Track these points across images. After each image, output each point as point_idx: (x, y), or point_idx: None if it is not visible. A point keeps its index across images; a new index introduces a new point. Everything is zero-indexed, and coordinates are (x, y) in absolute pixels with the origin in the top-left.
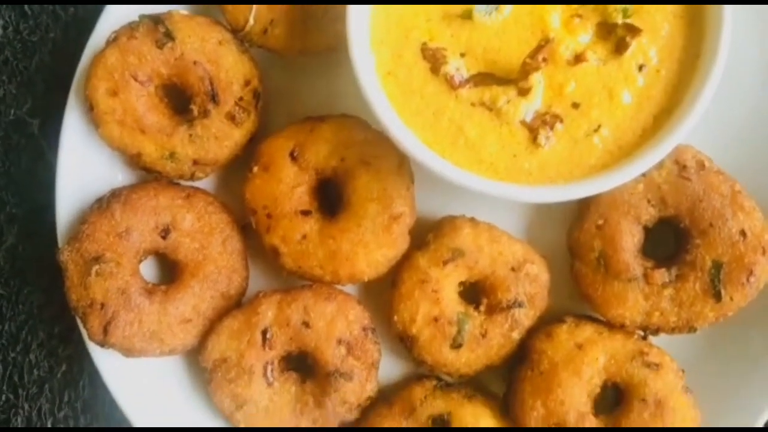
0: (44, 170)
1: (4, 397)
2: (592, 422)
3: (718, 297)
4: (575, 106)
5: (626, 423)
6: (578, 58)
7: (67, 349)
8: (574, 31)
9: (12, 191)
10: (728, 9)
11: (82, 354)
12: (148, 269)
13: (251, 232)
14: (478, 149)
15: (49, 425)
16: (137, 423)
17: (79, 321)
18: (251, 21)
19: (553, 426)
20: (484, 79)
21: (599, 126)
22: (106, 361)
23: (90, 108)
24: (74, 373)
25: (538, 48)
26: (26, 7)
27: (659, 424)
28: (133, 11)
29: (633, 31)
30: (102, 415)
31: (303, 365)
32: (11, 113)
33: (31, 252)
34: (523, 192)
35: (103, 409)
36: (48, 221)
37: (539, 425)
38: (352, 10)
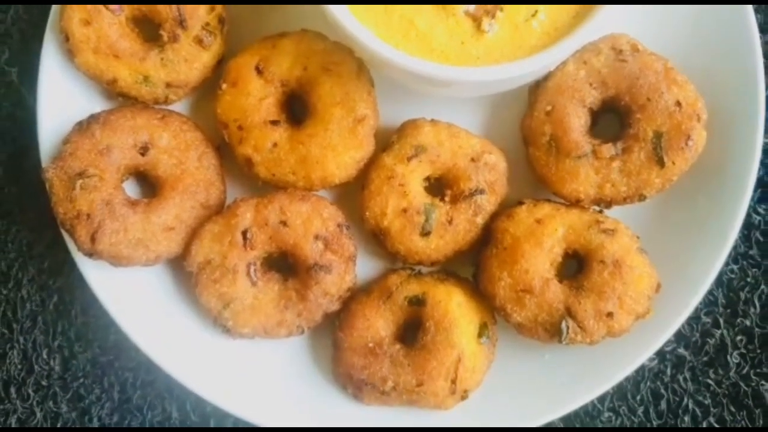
0: (25, 116)
1: None
2: (556, 286)
3: (661, 163)
4: None
5: (588, 284)
6: None
7: (58, 282)
8: None
9: None
10: None
11: (73, 284)
12: (131, 192)
13: (225, 153)
14: (429, 40)
15: (45, 355)
16: (132, 335)
17: (67, 236)
18: None
19: (520, 291)
20: None
21: (536, 11)
22: (97, 277)
23: (66, 39)
24: (66, 304)
25: None
26: None
27: (618, 282)
28: None
29: None
30: (95, 341)
31: (284, 265)
32: None
33: (17, 193)
34: (473, 73)
35: (96, 335)
36: (31, 163)
37: (507, 293)
38: None
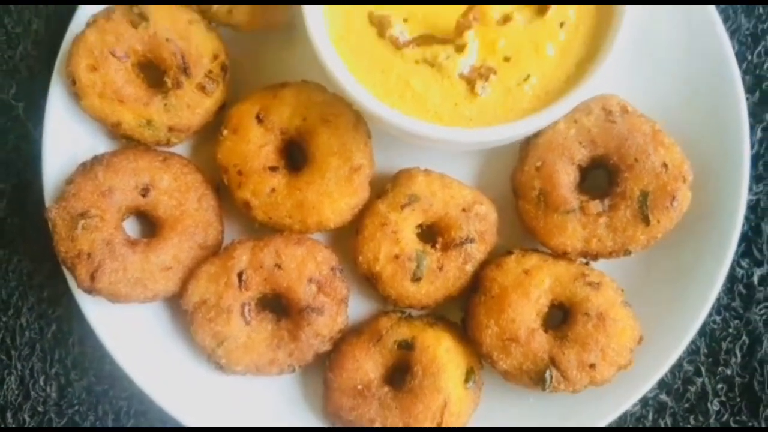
0: (29, 149)
1: None
2: (541, 336)
3: (646, 221)
4: (506, 59)
5: (572, 335)
6: (506, 19)
7: (57, 311)
8: None
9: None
10: None
11: (71, 314)
12: (131, 230)
13: (224, 194)
14: (424, 100)
15: (41, 382)
16: (127, 368)
17: (67, 272)
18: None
19: (506, 339)
20: (425, 39)
21: (528, 75)
22: (95, 312)
23: (72, 83)
24: (64, 333)
25: (469, 8)
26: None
27: (602, 334)
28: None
29: None
30: (91, 370)
31: (277, 306)
32: None
33: (19, 224)
34: (465, 134)
35: (92, 364)
36: (34, 195)
37: (494, 341)
38: None
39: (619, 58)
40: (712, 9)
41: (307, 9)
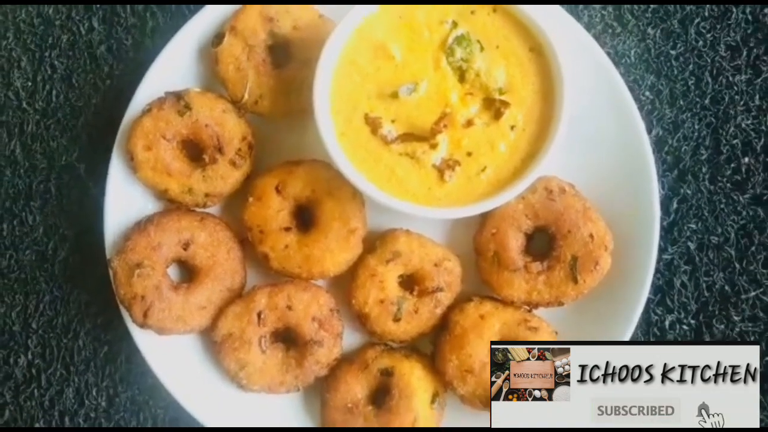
0: (89, 202)
1: (58, 373)
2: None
3: (575, 280)
4: (469, 154)
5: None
6: (469, 123)
7: (108, 335)
8: (467, 105)
9: (64, 218)
10: (569, 88)
11: (121, 338)
12: (175, 273)
13: (248, 244)
14: (405, 184)
15: (94, 393)
16: (167, 384)
17: (123, 310)
18: (246, 95)
19: (464, 371)
20: (407, 137)
21: (485, 167)
22: (144, 340)
23: (131, 158)
24: (114, 353)
25: (440, 118)
26: (73, 80)
27: None
28: (160, 89)
29: (505, 104)
30: (135, 383)
31: (287, 338)
32: (63, 159)
33: (80, 263)
34: (435, 212)
35: (136, 379)
36: (92, 240)
37: (454, 372)
38: (318, 89)
39: (560, 146)
40: (634, 109)
41: (318, 112)
